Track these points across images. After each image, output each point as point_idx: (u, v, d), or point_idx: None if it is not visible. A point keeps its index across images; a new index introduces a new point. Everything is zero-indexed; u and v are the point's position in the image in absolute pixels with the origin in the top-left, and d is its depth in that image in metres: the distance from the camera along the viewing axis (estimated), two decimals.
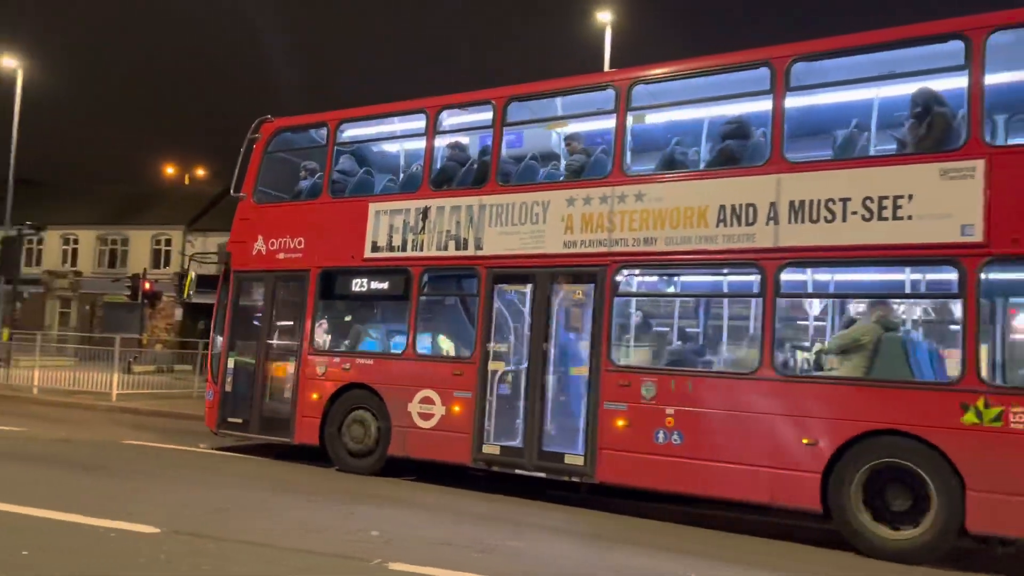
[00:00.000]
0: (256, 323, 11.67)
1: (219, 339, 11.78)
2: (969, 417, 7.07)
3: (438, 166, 10.60)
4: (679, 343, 9.78)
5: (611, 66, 19.97)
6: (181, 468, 10.04)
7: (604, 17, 22.12)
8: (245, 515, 7.37)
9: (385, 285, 10.73)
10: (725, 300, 9.61)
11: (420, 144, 10.72)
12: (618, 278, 8.93)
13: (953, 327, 7.65)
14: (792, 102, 8.26)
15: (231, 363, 11.79)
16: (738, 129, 8.83)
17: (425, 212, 10.38)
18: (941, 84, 7.86)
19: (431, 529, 7.13)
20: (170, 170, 50.90)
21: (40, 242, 40.76)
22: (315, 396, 10.80)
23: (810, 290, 8.68)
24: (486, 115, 10.13)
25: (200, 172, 51.27)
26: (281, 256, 11.48)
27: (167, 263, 39.46)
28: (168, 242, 40.02)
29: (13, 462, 9.92)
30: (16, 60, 25.81)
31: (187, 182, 49.94)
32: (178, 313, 36.58)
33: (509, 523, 7.82)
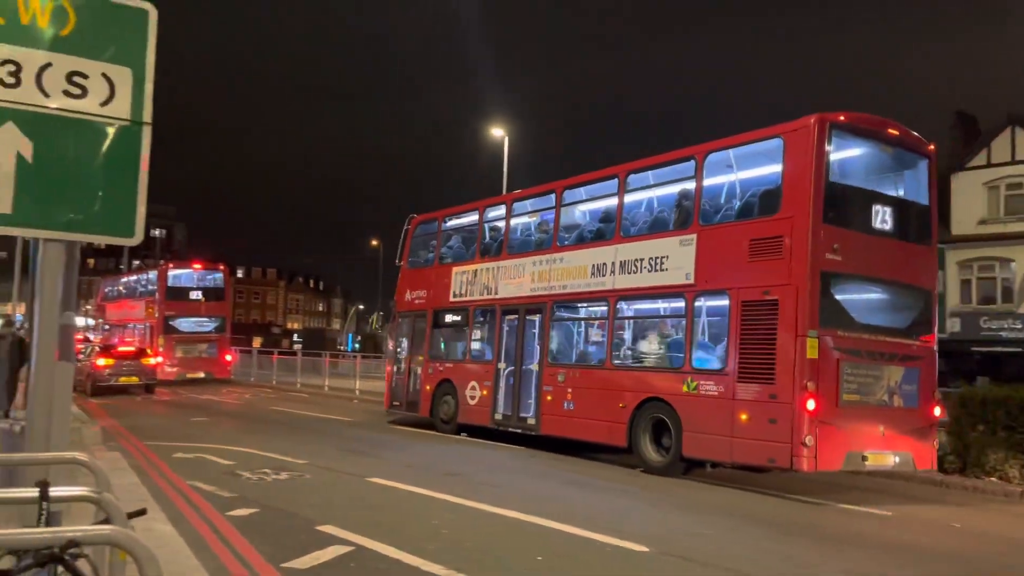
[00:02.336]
0: (404, 343, 19.22)
1: (388, 356, 20.21)
2: (687, 387, 12.39)
3: (484, 242, 17.45)
4: (575, 348, 15.30)
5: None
6: (658, 490, 10.99)
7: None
8: (721, 539, 8.22)
9: (458, 318, 17.71)
10: (596, 321, 14.87)
11: (474, 230, 17.94)
12: (554, 310, 15.37)
13: (679, 336, 13.02)
14: (626, 199, 14.32)
15: (392, 369, 19.52)
16: (605, 216, 14.93)
17: (475, 273, 17.27)
18: (686, 186, 13.26)
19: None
20: None
21: None
22: (427, 387, 18.10)
23: (627, 313, 14.15)
24: (502, 211, 17.26)
25: None
26: (416, 302, 18.97)
27: None
28: None
29: (526, 476, 11.91)
30: (503, 130, 30.54)
31: None
32: None
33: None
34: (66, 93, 4.22)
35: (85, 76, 4.25)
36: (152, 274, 35.92)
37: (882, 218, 11.88)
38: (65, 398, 4.93)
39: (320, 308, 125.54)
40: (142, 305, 35.43)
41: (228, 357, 33.87)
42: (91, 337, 39.84)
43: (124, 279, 41.36)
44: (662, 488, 11.39)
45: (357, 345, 63.67)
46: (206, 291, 34.09)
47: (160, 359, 31.14)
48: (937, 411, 12.28)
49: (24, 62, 4.16)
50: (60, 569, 2.85)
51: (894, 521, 9.93)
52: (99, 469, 4.09)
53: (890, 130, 12.40)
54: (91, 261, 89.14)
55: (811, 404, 10.71)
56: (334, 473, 11.31)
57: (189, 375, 32.24)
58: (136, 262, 75.99)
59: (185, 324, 33.35)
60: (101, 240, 4.46)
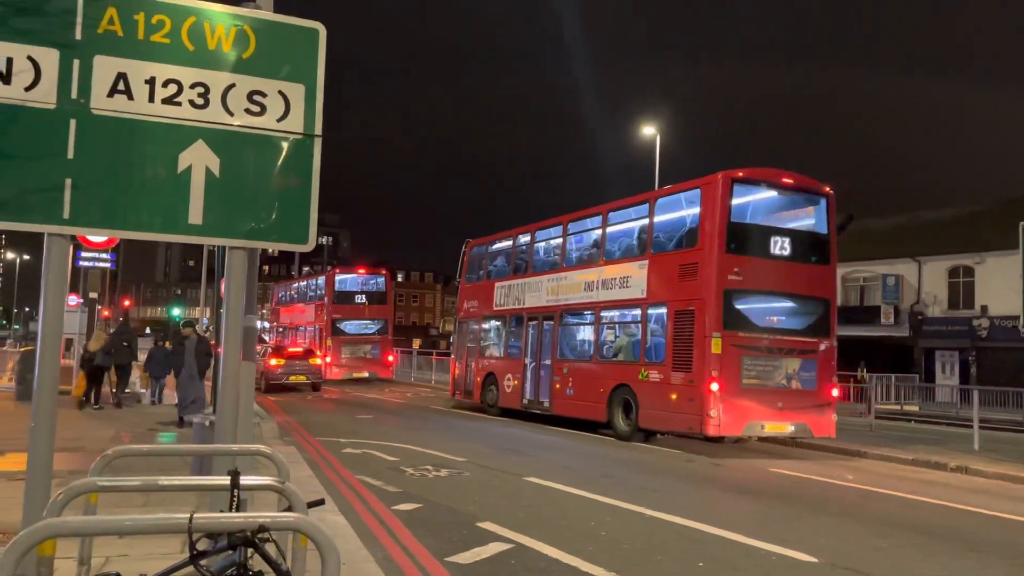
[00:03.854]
0: (464, 345, 23.62)
1: (453, 355, 25.06)
2: (641, 376, 16.17)
3: (517, 262, 21.89)
4: (575, 346, 19.14)
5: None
6: (831, 503, 10.60)
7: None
8: (899, 554, 7.73)
9: (499, 323, 22.14)
10: (587, 326, 18.64)
11: (510, 252, 22.40)
12: (564, 316, 19.47)
13: (638, 337, 16.86)
14: (608, 231, 18.17)
15: (456, 365, 24.09)
16: (594, 244, 18.81)
17: (510, 287, 21.59)
18: (643, 223, 17.14)
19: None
20: None
21: None
22: (478, 379, 22.66)
23: (606, 320, 17.94)
24: (528, 238, 21.46)
25: None
26: (471, 311, 23.42)
27: None
28: None
29: (680, 480, 11.85)
30: (655, 127, 30.63)
31: None
32: None
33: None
34: (247, 111, 4.55)
35: (264, 95, 4.56)
36: (321, 279, 37.79)
37: (780, 246, 15.41)
38: (248, 395, 5.30)
39: None
40: (312, 309, 37.35)
41: (390, 358, 35.14)
42: (265, 339, 42.60)
43: (295, 284, 43.81)
44: (826, 496, 10.97)
45: None
46: (370, 295, 35.46)
47: (328, 359, 32.86)
48: (835, 392, 15.83)
49: (211, 84, 4.52)
50: (249, 552, 3.07)
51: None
52: (281, 461, 4.37)
53: (784, 179, 16.03)
54: (265, 268, 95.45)
55: (715, 386, 14.47)
56: (491, 472, 11.54)
57: (355, 375, 33.61)
58: (305, 268, 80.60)
59: (351, 327, 34.80)
60: (279, 247, 4.78)
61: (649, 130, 30.51)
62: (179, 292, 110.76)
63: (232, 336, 4.62)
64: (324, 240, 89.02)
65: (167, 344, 19.74)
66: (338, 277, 36.21)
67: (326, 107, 4.72)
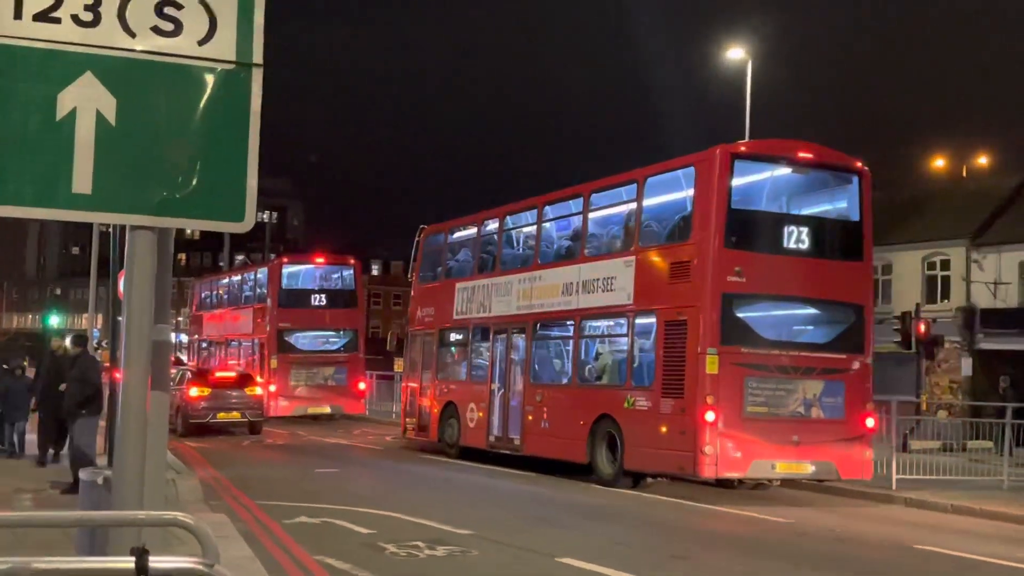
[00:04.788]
0: (417, 364, 25.21)
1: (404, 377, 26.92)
2: (627, 403, 17.19)
3: (482, 257, 23.01)
4: (550, 367, 20.50)
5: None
6: None
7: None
8: None
9: (461, 337, 23.37)
10: (565, 340, 20.18)
11: (474, 243, 23.61)
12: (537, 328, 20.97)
13: (624, 355, 18.06)
14: (591, 217, 19.43)
15: (407, 391, 25.44)
16: (573, 234, 20.25)
17: (473, 289, 22.57)
18: (631, 208, 18.26)
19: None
20: (939, 163, 49.69)
21: None
22: (435, 410, 23.51)
23: (588, 333, 19.44)
24: (495, 225, 22.74)
25: (982, 161, 50.58)
26: (427, 319, 24.60)
27: (945, 294, 37.85)
28: (945, 264, 38.17)
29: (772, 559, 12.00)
30: (745, 50, 31.54)
31: (964, 175, 48.65)
32: (966, 366, 36.12)
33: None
34: (156, 30, 4.48)
35: (179, 6, 4.50)
36: (262, 273, 37.63)
37: (797, 238, 16.30)
38: (160, 440, 5.30)
39: None
40: (249, 315, 37.21)
41: (361, 385, 35.01)
42: (183, 358, 42.67)
43: (225, 280, 43.72)
44: None
45: None
46: (332, 295, 35.47)
47: (272, 387, 32.67)
48: (870, 422, 16.75)
49: None
50: None
51: None
52: (206, 535, 4.36)
53: (801, 153, 16.94)
54: (181, 257, 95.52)
55: (710, 415, 15.33)
56: (510, 549, 11.58)
57: (311, 410, 33.65)
58: (240, 257, 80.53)
59: (305, 340, 34.84)
60: (202, 226, 4.72)
61: (736, 53, 30.34)
62: (58, 292, 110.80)
63: (136, 355, 4.59)
64: (266, 216, 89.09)
65: (24, 370, 20.14)
66: (287, 269, 36.25)
67: (273, 25, 4.69)
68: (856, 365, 16.50)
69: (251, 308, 37.03)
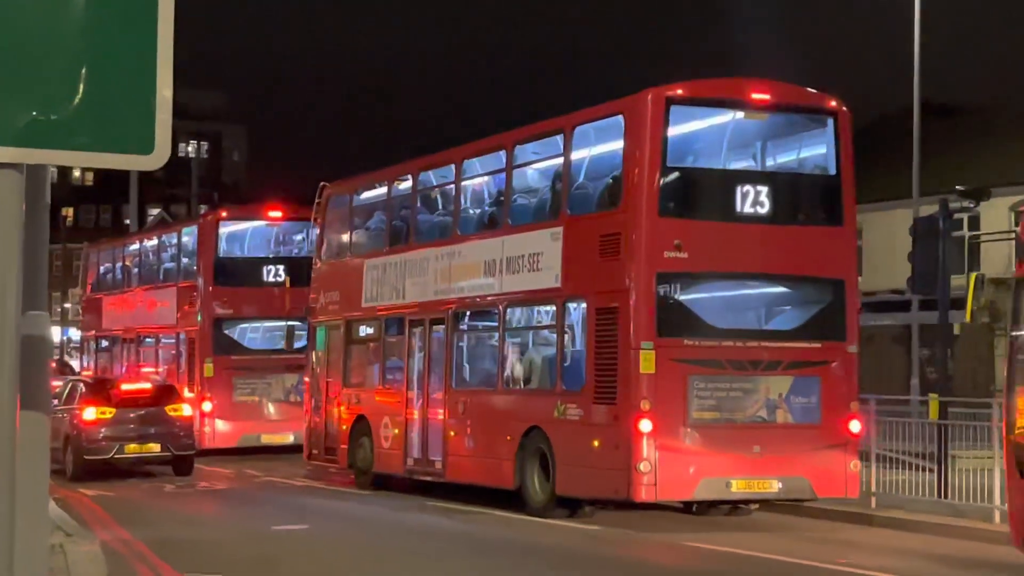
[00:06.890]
0: (321, 367, 28.33)
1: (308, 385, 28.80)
2: (557, 412, 20.32)
3: (394, 226, 25.51)
4: (473, 367, 23.07)
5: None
6: None
7: None
8: None
9: (372, 330, 27.42)
10: (489, 333, 23.71)
11: (383, 206, 25.91)
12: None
13: (554, 351, 20.69)
14: (515, 176, 22.05)
15: (310, 403, 28.30)
16: (495, 199, 22.26)
17: (384, 268, 26.14)
18: (556, 165, 21.39)
19: None
20: None
21: (975, 223, 40.66)
22: (344, 427, 26.76)
23: (514, 324, 22.00)
24: (409, 183, 25.35)
25: None
26: (331, 307, 28.27)
27: None
28: None
29: None
30: None
31: None
32: None
33: None
34: None
35: None
36: (188, 233, 34.47)
37: (754, 200, 17.86)
38: (37, 485, 5.32)
39: None
40: (169, 298, 33.73)
41: None
42: (72, 364, 43.11)
43: (133, 246, 39.98)
44: None
45: None
46: (293, 265, 32.03)
47: (206, 405, 30.65)
48: (855, 426, 18.20)
49: None
50: None
51: None
52: None
53: (755, 94, 18.18)
54: (66, 213, 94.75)
55: (645, 425, 16.96)
56: None
57: (265, 438, 31.40)
58: (155, 211, 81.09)
59: (253, 335, 32.06)
60: (94, 161, 4.20)
61: None
62: None
63: None
64: (192, 148, 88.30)
65: None
66: (225, 228, 33.20)
67: None
68: (835, 356, 18.00)
69: (173, 287, 33.60)
